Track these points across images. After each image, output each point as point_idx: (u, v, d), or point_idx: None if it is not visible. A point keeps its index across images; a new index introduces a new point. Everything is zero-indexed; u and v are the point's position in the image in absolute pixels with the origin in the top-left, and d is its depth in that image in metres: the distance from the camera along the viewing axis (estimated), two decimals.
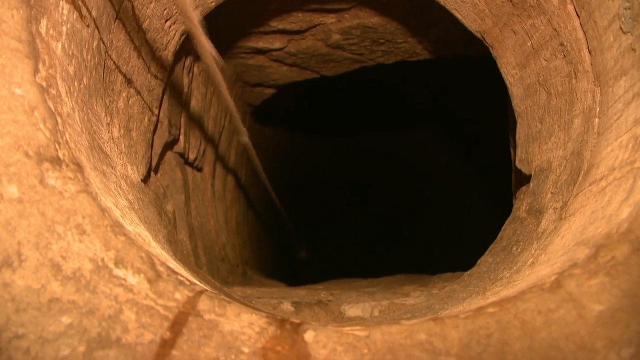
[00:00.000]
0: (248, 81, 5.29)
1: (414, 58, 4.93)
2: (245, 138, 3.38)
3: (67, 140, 1.44)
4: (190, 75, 3.68)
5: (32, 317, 1.17)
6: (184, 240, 3.49)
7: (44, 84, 1.44)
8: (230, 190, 5.54)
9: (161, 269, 1.32)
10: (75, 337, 1.17)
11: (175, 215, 3.37)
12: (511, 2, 2.57)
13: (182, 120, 3.58)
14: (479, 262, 2.80)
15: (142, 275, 1.28)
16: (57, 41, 1.62)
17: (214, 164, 4.71)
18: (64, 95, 1.57)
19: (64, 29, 1.68)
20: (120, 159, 2.23)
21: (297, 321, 1.32)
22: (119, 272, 1.26)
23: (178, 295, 1.28)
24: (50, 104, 1.43)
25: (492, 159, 5.94)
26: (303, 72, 5.26)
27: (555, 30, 2.34)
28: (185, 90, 3.58)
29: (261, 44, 4.57)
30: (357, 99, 7.99)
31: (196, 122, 3.97)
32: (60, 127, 1.43)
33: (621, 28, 1.82)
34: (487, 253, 2.81)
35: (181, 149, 3.62)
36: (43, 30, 1.52)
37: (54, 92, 1.48)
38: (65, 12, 1.70)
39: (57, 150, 1.36)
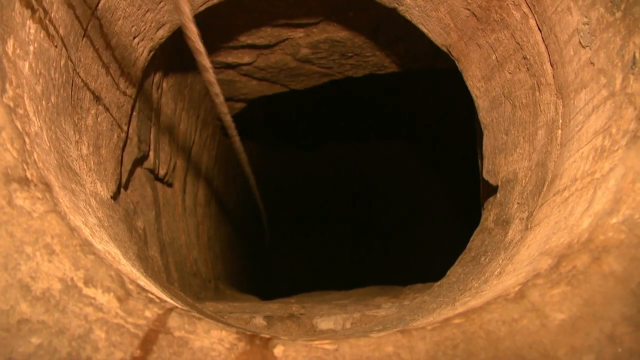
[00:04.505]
0: None
1: (382, 71, 4.98)
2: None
3: (35, 160, 1.44)
4: (159, 90, 3.68)
5: (1, 338, 1.17)
6: (155, 256, 3.47)
7: (11, 104, 1.44)
8: (201, 205, 5.52)
9: (130, 286, 1.33)
10: (45, 358, 1.17)
11: (145, 231, 3.36)
12: (475, 16, 2.62)
13: (152, 135, 3.56)
14: (448, 272, 2.83)
15: (112, 294, 1.29)
16: (24, 60, 1.62)
17: (184, 178, 4.70)
18: (31, 114, 1.57)
19: (31, 48, 1.68)
20: (89, 176, 2.23)
21: (267, 336, 1.33)
22: (89, 291, 1.27)
23: (148, 313, 1.28)
24: (18, 123, 1.43)
25: (460, 169, 6.00)
26: (272, 86, 5.28)
27: (518, 43, 2.38)
28: (155, 105, 3.58)
29: (230, 58, 4.58)
30: (327, 111, 8.02)
31: (166, 137, 3.96)
32: (28, 147, 1.43)
33: (580, 42, 1.87)
34: (456, 263, 2.85)
35: (151, 165, 3.61)
36: (9, 50, 1.52)
37: (21, 111, 1.48)
38: (32, 31, 1.70)
39: (24, 170, 1.36)
